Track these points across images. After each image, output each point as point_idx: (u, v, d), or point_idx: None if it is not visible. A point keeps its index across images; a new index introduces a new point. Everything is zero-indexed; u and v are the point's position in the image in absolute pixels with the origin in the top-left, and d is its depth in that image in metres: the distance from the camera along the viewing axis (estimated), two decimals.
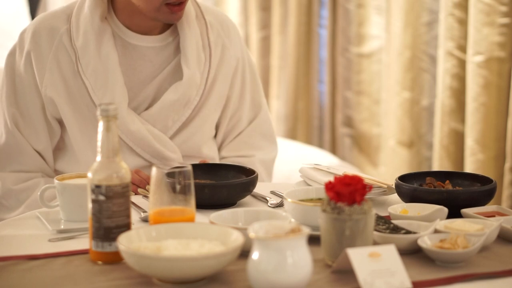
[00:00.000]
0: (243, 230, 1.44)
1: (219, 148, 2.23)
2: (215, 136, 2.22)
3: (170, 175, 1.53)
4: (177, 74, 2.10)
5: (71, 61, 2.04)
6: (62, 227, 1.68)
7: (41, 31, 2.05)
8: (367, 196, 1.49)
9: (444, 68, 3.05)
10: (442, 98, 3.06)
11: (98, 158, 1.50)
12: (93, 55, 2.03)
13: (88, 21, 2.03)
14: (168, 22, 2.04)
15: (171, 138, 2.10)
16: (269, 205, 1.87)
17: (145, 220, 1.72)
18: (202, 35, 2.12)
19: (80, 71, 2.04)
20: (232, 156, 2.22)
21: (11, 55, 2.09)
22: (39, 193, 1.76)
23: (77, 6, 2.07)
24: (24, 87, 2.06)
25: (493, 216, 1.69)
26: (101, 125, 1.49)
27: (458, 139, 3.05)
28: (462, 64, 3.00)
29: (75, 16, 2.05)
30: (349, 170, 2.33)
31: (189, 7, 2.11)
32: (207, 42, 2.13)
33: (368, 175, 1.93)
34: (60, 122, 2.08)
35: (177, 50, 2.11)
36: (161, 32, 2.11)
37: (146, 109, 2.09)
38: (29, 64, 2.05)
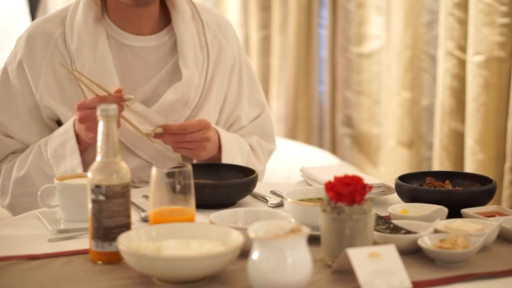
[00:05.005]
0: (243, 230, 1.44)
1: None
2: None
3: (170, 175, 1.53)
4: (175, 74, 2.09)
5: (66, 64, 2.04)
6: (62, 227, 1.68)
7: (36, 36, 2.06)
8: (367, 196, 1.49)
9: (444, 68, 3.05)
10: (442, 98, 3.06)
11: (98, 158, 1.50)
12: (87, 57, 2.03)
13: (82, 24, 2.03)
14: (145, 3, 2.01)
15: None
16: (269, 205, 1.86)
17: (145, 220, 1.72)
18: (199, 35, 2.12)
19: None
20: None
21: (8, 61, 2.10)
22: (39, 193, 1.76)
23: (72, 9, 2.07)
24: (16, 93, 2.06)
25: (493, 216, 1.69)
26: (101, 125, 1.49)
27: (458, 139, 3.05)
28: (462, 64, 3.00)
29: (69, 19, 2.06)
30: (349, 170, 2.33)
31: (185, 6, 2.11)
32: (204, 42, 2.12)
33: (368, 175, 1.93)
34: (59, 123, 2.09)
35: (173, 50, 2.11)
36: (155, 32, 2.10)
37: None
38: (21, 70, 2.06)
